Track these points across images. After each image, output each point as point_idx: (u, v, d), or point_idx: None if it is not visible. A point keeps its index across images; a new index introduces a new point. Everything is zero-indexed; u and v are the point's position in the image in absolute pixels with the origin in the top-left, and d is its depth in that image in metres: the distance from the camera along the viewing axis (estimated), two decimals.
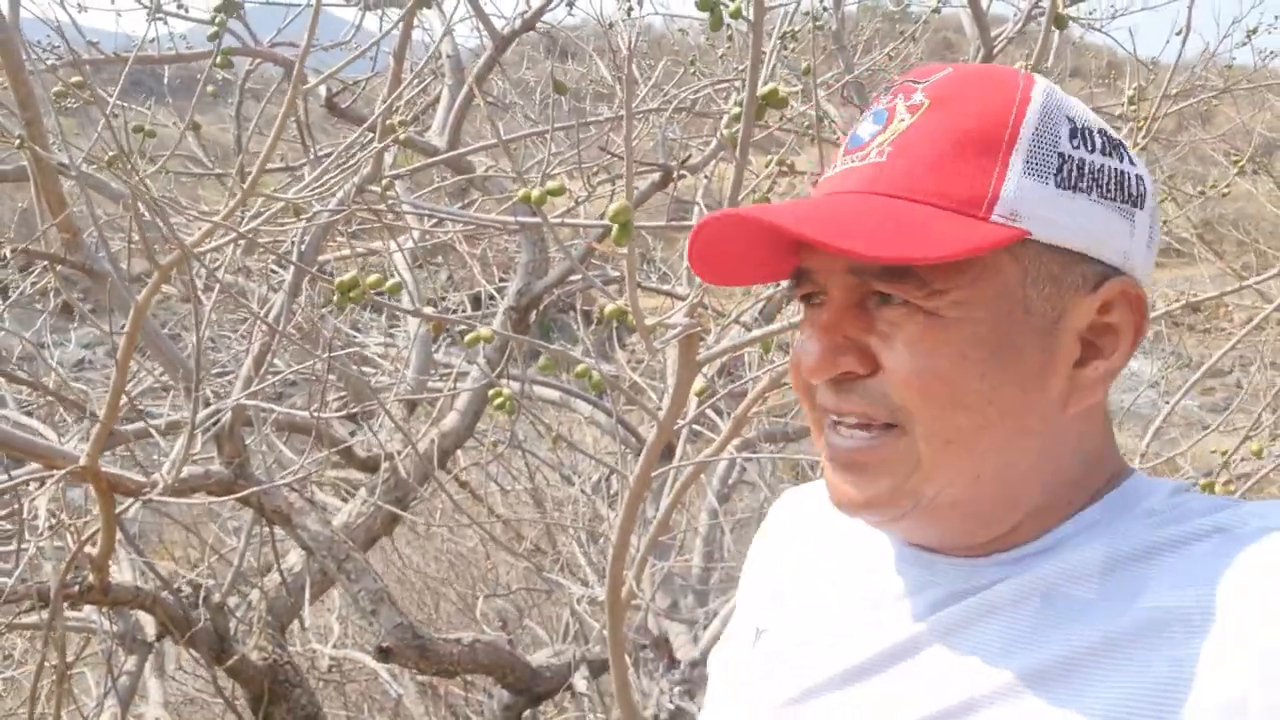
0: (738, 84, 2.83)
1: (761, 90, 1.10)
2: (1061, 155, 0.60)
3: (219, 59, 1.42)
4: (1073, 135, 0.61)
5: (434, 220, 3.40)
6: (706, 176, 3.34)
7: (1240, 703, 0.52)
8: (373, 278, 1.19)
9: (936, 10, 2.85)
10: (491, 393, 1.34)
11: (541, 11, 2.82)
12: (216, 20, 1.39)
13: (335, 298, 1.16)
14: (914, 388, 0.61)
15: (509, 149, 3.04)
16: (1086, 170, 0.61)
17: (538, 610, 3.78)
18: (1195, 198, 3.26)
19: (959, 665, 0.61)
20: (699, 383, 1.45)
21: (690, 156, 2.87)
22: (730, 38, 2.95)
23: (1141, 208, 0.62)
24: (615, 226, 0.92)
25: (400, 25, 2.34)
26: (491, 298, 3.46)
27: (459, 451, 3.27)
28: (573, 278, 3.22)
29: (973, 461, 0.62)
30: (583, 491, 3.68)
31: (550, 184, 1.21)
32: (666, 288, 3.96)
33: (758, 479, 3.82)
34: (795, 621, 0.73)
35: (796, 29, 2.57)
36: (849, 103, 3.45)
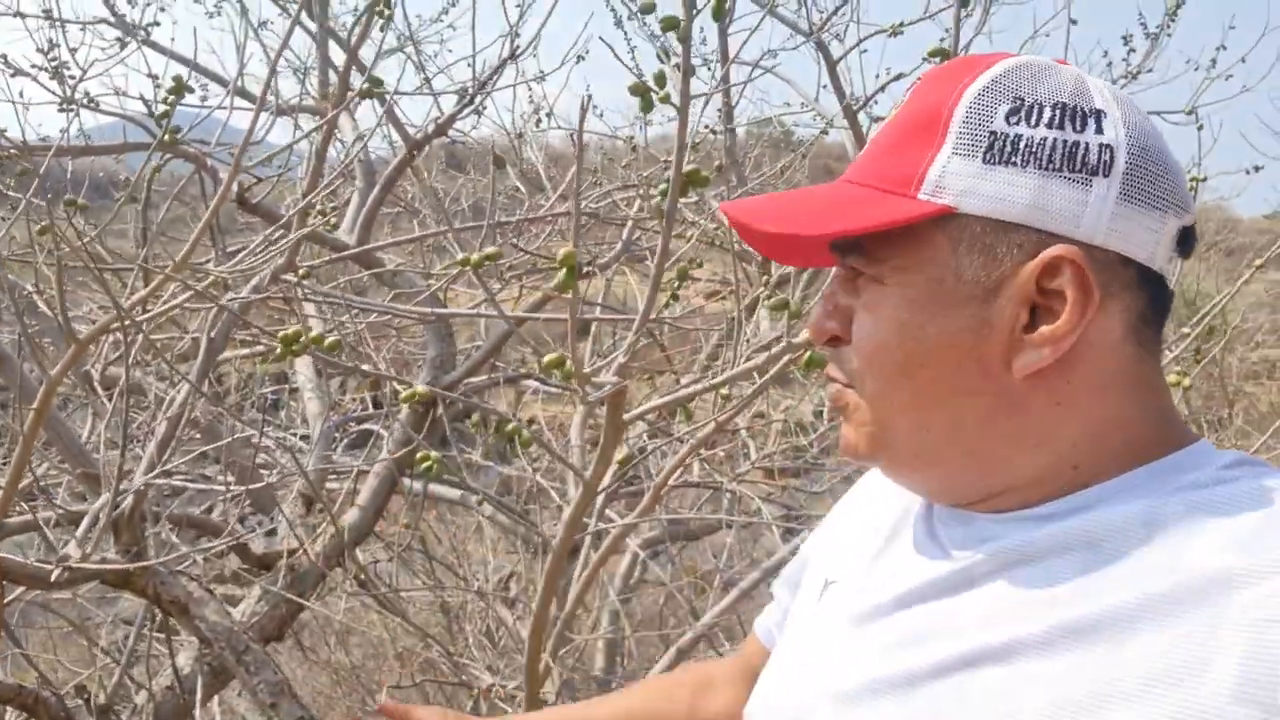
0: (641, 190, 2.99)
1: (687, 168, 1.21)
2: (992, 133, 0.65)
3: (167, 137, 1.46)
4: (1013, 113, 0.65)
5: (339, 316, 3.42)
6: (609, 278, 3.47)
7: (1274, 673, 0.52)
8: (315, 333, 1.23)
9: (824, 132, 3.08)
10: (419, 456, 1.38)
11: (454, 118, 2.94)
12: (169, 101, 1.44)
13: (278, 350, 1.20)
14: (863, 352, 0.69)
15: (422, 247, 3.12)
16: (1022, 144, 0.64)
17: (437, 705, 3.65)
18: None
19: (1004, 607, 0.63)
20: (620, 450, 1.52)
21: (597, 258, 2.99)
22: (634, 149, 3.12)
23: (1106, 175, 0.63)
24: (562, 270, 0.99)
25: (320, 127, 2.42)
26: (394, 395, 3.46)
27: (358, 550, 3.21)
28: (474, 378, 3.26)
29: (914, 414, 0.68)
30: (480, 594, 3.63)
31: (488, 249, 1.28)
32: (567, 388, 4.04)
33: (659, 578, 3.84)
34: (859, 571, 0.78)
35: (695, 140, 2.75)
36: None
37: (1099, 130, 0.64)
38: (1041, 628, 0.60)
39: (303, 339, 1.18)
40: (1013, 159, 0.64)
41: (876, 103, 3.59)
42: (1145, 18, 3.67)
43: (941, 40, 3.52)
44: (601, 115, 3.65)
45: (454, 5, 3.72)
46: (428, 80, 2.70)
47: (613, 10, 3.42)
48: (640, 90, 1.22)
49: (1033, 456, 0.66)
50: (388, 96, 2.82)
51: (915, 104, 0.69)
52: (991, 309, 0.65)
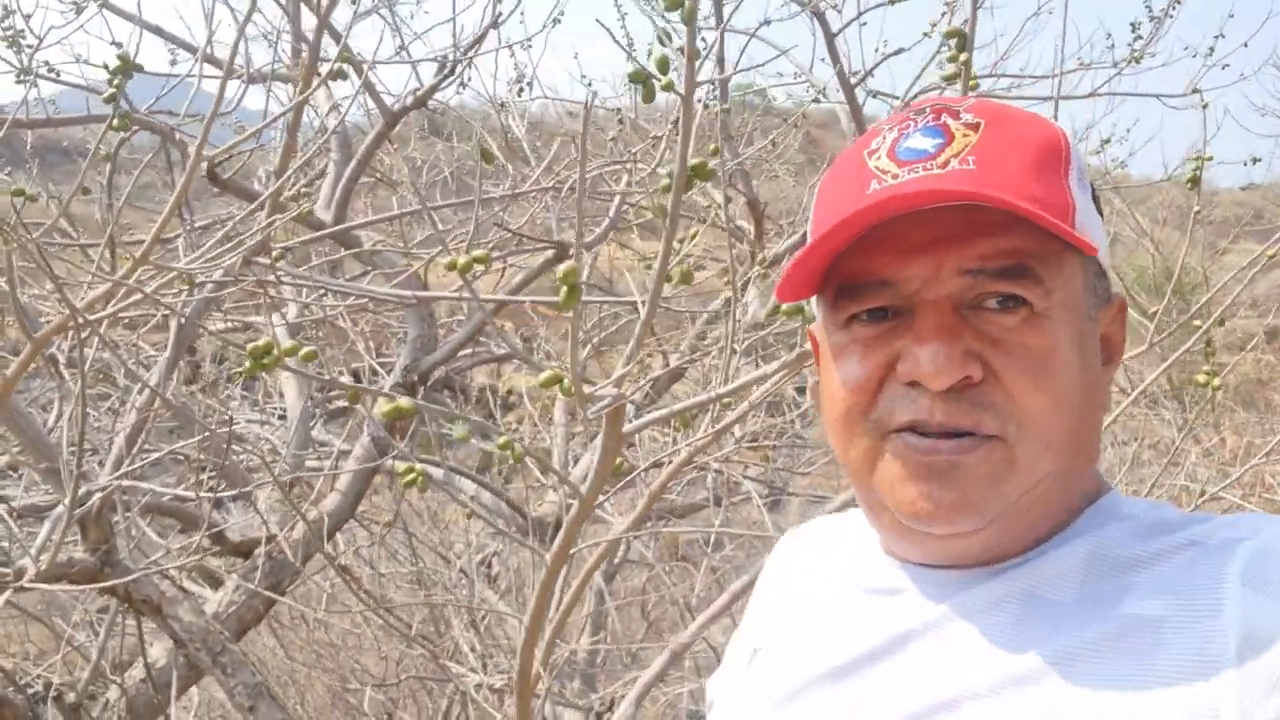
0: (629, 165, 2.88)
1: (692, 161, 1.12)
2: (1084, 181, 0.66)
3: (117, 122, 1.36)
4: (1080, 168, 0.67)
5: (316, 294, 3.31)
6: (595, 255, 3.37)
7: (1211, 714, 0.53)
8: (288, 344, 1.14)
9: (817, 100, 2.98)
10: (404, 468, 1.29)
11: (434, 89, 2.82)
12: (114, 82, 1.33)
13: (248, 364, 1.10)
14: (1036, 389, 0.62)
15: (402, 223, 3.01)
16: (1092, 196, 0.67)
17: (412, 701, 3.61)
18: None
19: (945, 663, 0.63)
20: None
21: (583, 235, 2.89)
22: (620, 121, 3.02)
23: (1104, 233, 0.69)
24: (564, 288, 0.91)
25: (293, 99, 2.30)
26: (374, 373, 3.37)
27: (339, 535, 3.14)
28: (462, 353, 3.17)
29: (1065, 461, 0.64)
30: (463, 573, 3.57)
31: (475, 252, 1.19)
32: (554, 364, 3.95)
33: (643, 556, 3.80)
34: (789, 635, 0.75)
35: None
36: (734, 188, 3.56)
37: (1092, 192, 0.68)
38: (985, 679, 0.60)
39: (274, 352, 1.09)
40: (1098, 204, 0.66)
41: (874, 76, 3.50)
42: (1150, 1, 3.57)
43: (943, 15, 3.43)
44: (590, 85, 3.52)
45: None
46: (404, 48, 2.57)
47: None
48: (641, 78, 1.12)
49: (1063, 510, 0.66)
50: (364, 66, 2.69)
51: (1028, 130, 0.66)
52: (1093, 346, 0.67)
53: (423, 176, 3.17)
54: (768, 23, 3.46)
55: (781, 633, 0.76)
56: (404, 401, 1.22)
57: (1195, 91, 3.06)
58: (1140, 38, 3.56)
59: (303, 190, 2.51)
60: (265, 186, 3.24)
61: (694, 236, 1.25)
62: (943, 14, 3.49)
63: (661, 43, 1.33)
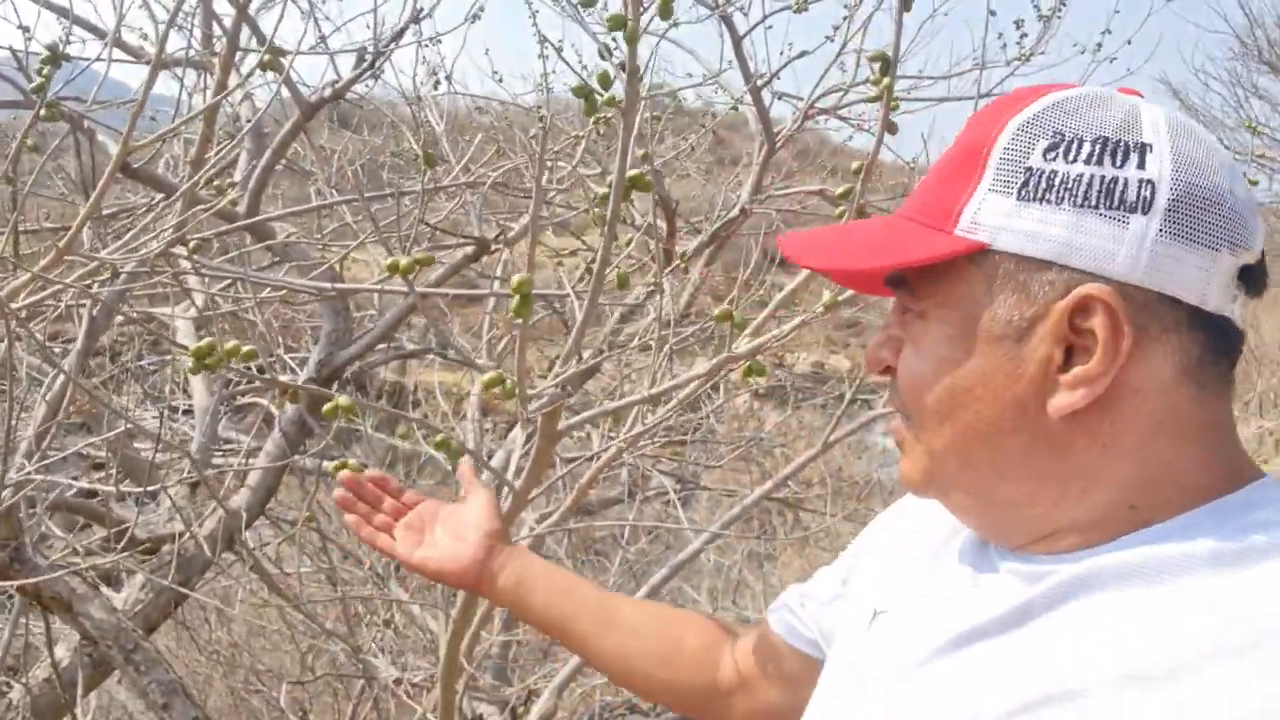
0: (549, 164, 2.92)
1: (631, 172, 1.17)
2: (1028, 169, 0.64)
3: (45, 111, 1.34)
4: (1051, 149, 0.63)
5: (222, 285, 3.25)
6: (510, 251, 3.39)
7: None
8: (231, 344, 1.15)
9: (734, 108, 3.06)
10: (337, 464, 1.31)
11: (353, 82, 2.81)
12: (43, 73, 1.31)
13: (190, 364, 1.11)
14: (906, 386, 0.71)
15: (318, 216, 2.98)
16: (1058, 181, 0.62)
17: (329, 698, 3.58)
18: None
19: (1063, 647, 0.61)
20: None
21: (504, 232, 2.91)
22: (541, 118, 3.04)
23: (1145, 211, 0.61)
24: (516, 297, 0.95)
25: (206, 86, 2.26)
26: (285, 368, 3.33)
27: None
28: (379, 347, 3.15)
29: (958, 451, 0.68)
30: (374, 572, 3.55)
31: (418, 254, 1.22)
32: (461, 359, 3.95)
33: (555, 553, 3.83)
34: (911, 604, 0.76)
35: (609, 116, 2.70)
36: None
37: (1141, 165, 0.62)
38: (1102, 673, 0.57)
39: (217, 352, 1.10)
40: (1047, 196, 0.63)
41: (779, 79, 3.60)
42: (1039, 1, 3.76)
43: (844, 19, 3.54)
44: (500, 80, 3.53)
45: None
46: (324, 39, 2.55)
47: None
48: (584, 92, 1.17)
49: (1083, 498, 0.65)
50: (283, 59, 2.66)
51: (964, 137, 0.69)
52: (1025, 348, 0.64)
53: (335, 169, 3.14)
54: (676, 24, 3.52)
55: (903, 599, 0.77)
56: (343, 400, 1.25)
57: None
58: (1026, 35, 3.75)
59: (216, 183, 2.47)
60: (174, 174, 3.17)
61: (628, 244, 1.30)
62: (844, 18, 3.62)
63: (602, 57, 1.37)
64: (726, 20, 3.53)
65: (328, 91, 2.86)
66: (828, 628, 0.91)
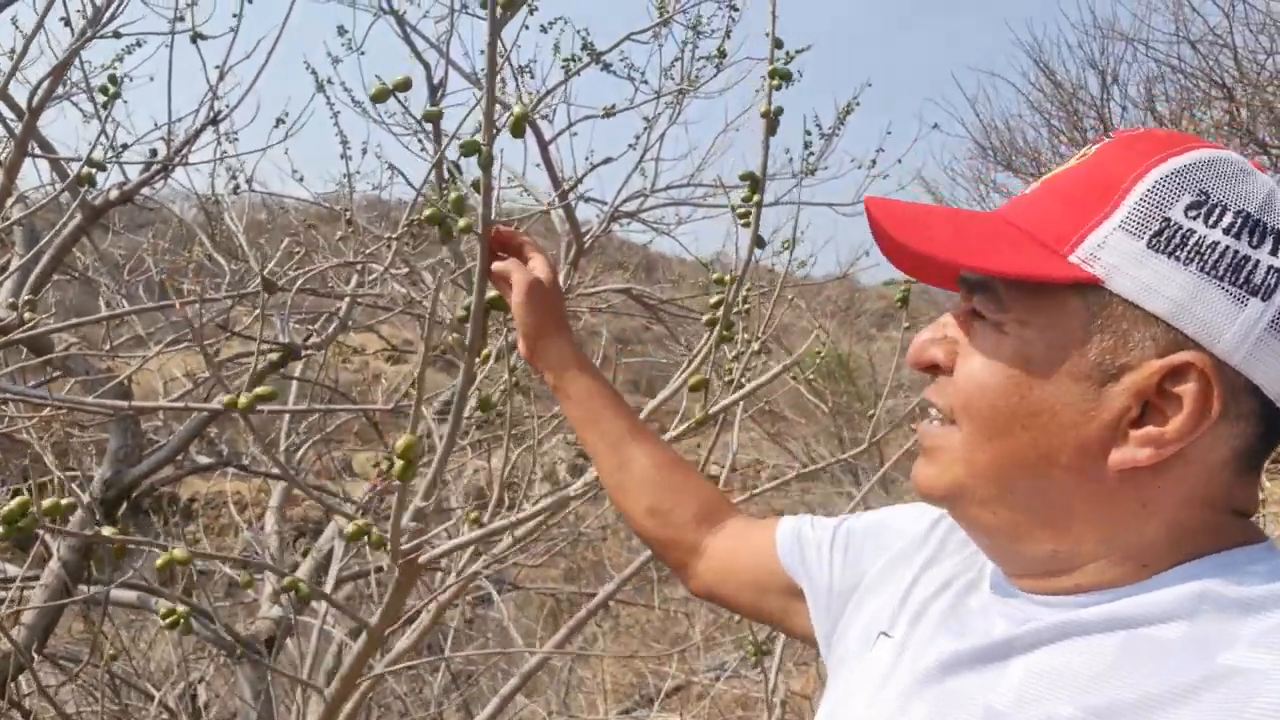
0: (358, 267, 2.84)
1: (490, 294, 1.16)
2: (1166, 220, 0.62)
3: None
4: (1194, 207, 0.62)
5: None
6: (320, 356, 3.26)
7: None
8: (49, 502, 1.03)
9: (545, 212, 3.10)
10: (165, 609, 1.20)
11: (142, 184, 2.65)
12: None
13: (2, 529, 0.99)
14: (963, 391, 0.68)
15: (108, 325, 2.76)
16: (1192, 241, 0.61)
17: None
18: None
19: (1038, 684, 0.62)
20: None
21: (311, 335, 2.80)
22: (349, 221, 2.97)
23: (1265, 299, 0.60)
24: (400, 462, 0.91)
25: None
26: (63, 488, 3.03)
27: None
28: (163, 472, 2.93)
29: (1001, 472, 0.66)
30: (165, 708, 3.24)
31: (260, 389, 1.15)
32: (262, 470, 3.74)
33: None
34: (918, 631, 0.75)
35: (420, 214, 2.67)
36: (459, 288, 3.59)
37: (1274, 252, 0.61)
38: (1071, 710, 0.59)
39: (31, 511, 0.99)
40: (1177, 253, 0.61)
41: (584, 183, 3.69)
42: (820, 120, 4.08)
43: (645, 129, 3.69)
44: (301, 179, 3.43)
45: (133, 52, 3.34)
46: (118, 147, 2.40)
47: (314, 74, 3.26)
48: (438, 219, 1.16)
49: (1106, 547, 0.65)
50: (66, 163, 2.48)
51: (1099, 164, 0.66)
52: (1106, 393, 0.63)
53: (125, 276, 2.93)
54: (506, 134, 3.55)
55: (910, 625, 0.77)
56: (178, 553, 1.15)
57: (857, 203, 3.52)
58: (812, 152, 4.05)
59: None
60: None
61: (487, 359, 1.28)
62: (645, 128, 3.78)
63: (452, 176, 1.36)
64: (533, 125, 3.62)
65: (114, 194, 2.68)
66: (826, 582, 0.92)
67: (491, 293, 1.17)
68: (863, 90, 4.36)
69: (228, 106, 2.48)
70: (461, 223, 1.14)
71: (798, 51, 3.48)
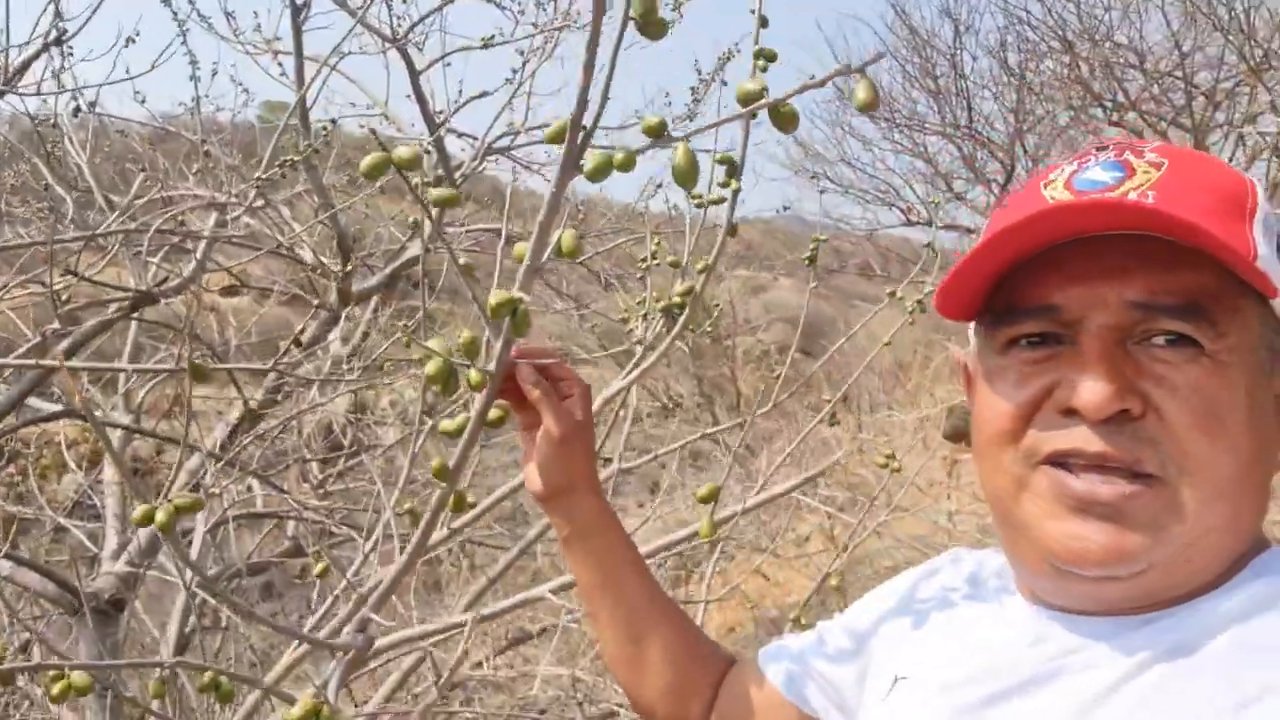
0: (222, 199, 2.63)
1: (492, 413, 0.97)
2: (1268, 227, 0.63)
3: None
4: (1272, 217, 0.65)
5: None
6: (169, 302, 3.03)
7: None
8: None
9: (428, 152, 2.94)
10: (52, 675, 1.05)
11: None
12: None
13: None
14: (1200, 431, 0.59)
15: None
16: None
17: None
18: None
19: (1074, 715, 0.60)
20: None
21: (167, 279, 2.59)
22: (208, 153, 2.73)
23: None
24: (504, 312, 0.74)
25: None
26: None
27: None
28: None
29: (1226, 512, 0.61)
30: None
31: (180, 501, 1.02)
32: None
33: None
34: (936, 667, 0.72)
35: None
36: (322, 223, 3.40)
37: None
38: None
39: None
40: None
41: (452, 120, 3.53)
42: (700, 65, 4.04)
43: (524, 62, 3.54)
44: (144, 101, 3.10)
45: None
46: None
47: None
48: (441, 376, 1.01)
49: (1224, 561, 0.63)
50: None
51: (1214, 172, 0.65)
52: (1274, 406, 0.63)
53: None
54: (343, 56, 3.33)
55: (924, 665, 0.74)
56: (77, 679, 1.00)
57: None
58: (698, 99, 4.00)
59: None
60: None
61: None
62: (524, 61, 3.63)
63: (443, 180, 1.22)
64: (404, 53, 3.40)
65: None
66: (838, 683, 0.86)
67: (494, 411, 0.86)
68: (743, 39, 4.32)
69: (68, 29, 2.22)
70: (473, 376, 0.76)
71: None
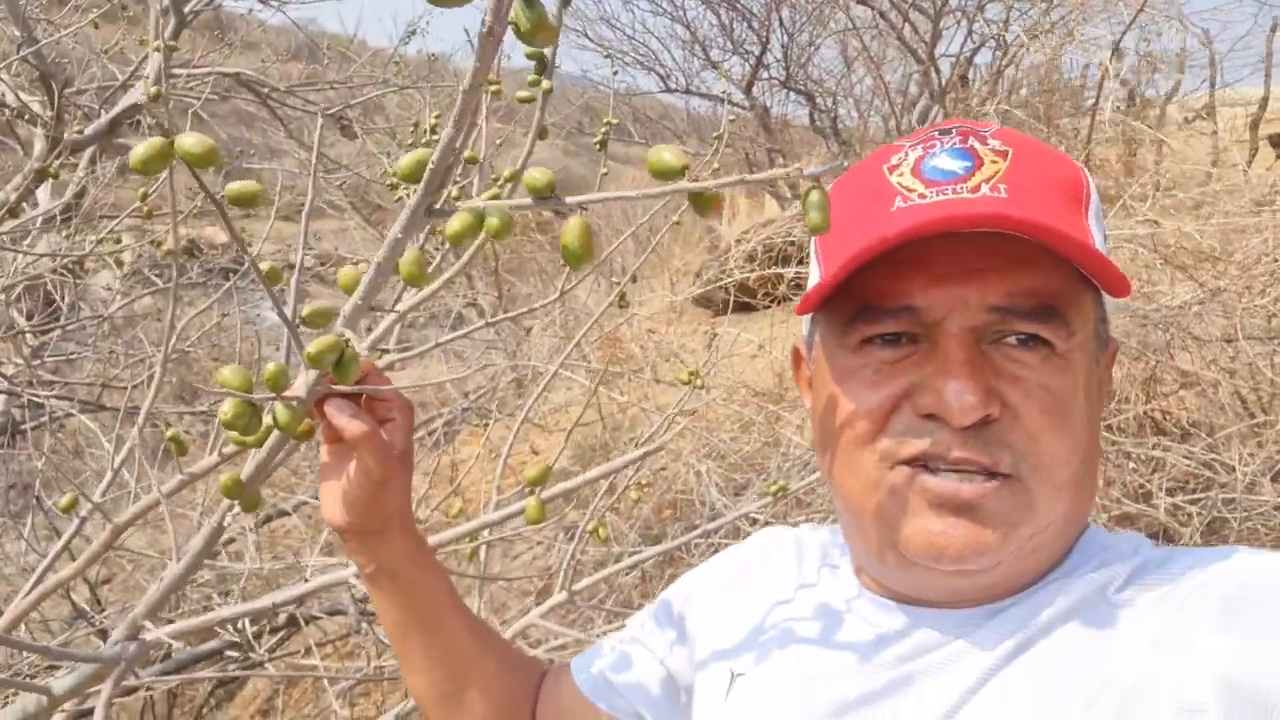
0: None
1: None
2: (1100, 223, 0.66)
3: None
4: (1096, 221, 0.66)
5: None
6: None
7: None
8: None
9: None
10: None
11: None
12: None
13: None
14: (1050, 430, 0.61)
15: None
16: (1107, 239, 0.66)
17: None
18: None
19: (944, 708, 0.62)
20: None
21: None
22: (124, 6, 2.18)
23: None
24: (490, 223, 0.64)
25: None
26: None
27: None
28: None
29: (1072, 504, 0.63)
30: None
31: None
32: None
33: None
34: (775, 667, 0.70)
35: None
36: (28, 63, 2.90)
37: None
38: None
39: None
40: (1107, 250, 0.65)
41: None
42: None
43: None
44: None
45: None
46: None
47: None
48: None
49: (1063, 548, 0.66)
50: None
51: (1053, 165, 0.65)
52: (1099, 391, 0.67)
53: None
54: None
55: (765, 661, 0.72)
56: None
57: None
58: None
59: None
60: None
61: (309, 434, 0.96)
62: None
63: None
64: None
65: None
66: (674, 670, 0.84)
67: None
68: None
69: None
70: (281, 415, 0.67)
71: None
